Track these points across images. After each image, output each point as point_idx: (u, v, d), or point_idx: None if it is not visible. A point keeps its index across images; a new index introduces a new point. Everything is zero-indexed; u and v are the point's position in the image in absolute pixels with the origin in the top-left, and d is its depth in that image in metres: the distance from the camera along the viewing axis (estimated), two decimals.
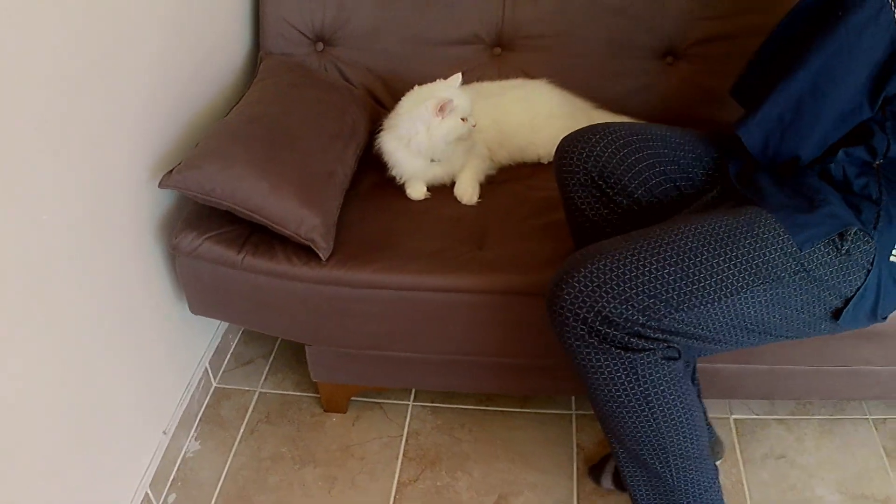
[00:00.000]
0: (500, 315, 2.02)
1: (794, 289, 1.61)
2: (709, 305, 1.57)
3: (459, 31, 2.54)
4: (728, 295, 1.58)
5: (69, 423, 1.78)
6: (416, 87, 2.24)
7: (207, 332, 2.52)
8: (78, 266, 1.76)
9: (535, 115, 2.37)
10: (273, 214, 1.95)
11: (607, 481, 2.13)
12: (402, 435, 2.36)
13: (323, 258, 1.98)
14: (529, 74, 2.52)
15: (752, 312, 1.61)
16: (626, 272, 1.56)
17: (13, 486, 1.59)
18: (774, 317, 1.63)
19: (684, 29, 2.48)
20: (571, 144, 1.87)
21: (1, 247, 1.49)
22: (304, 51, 2.55)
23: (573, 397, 2.46)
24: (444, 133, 2.14)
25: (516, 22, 2.52)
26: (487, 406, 2.44)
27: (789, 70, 1.65)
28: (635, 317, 1.55)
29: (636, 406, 1.63)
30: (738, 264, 1.58)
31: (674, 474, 1.71)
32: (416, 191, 2.27)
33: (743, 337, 1.67)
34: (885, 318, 1.75)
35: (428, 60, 2.54)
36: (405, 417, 2.41)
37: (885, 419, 2.40)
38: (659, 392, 1.61)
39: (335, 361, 2.26)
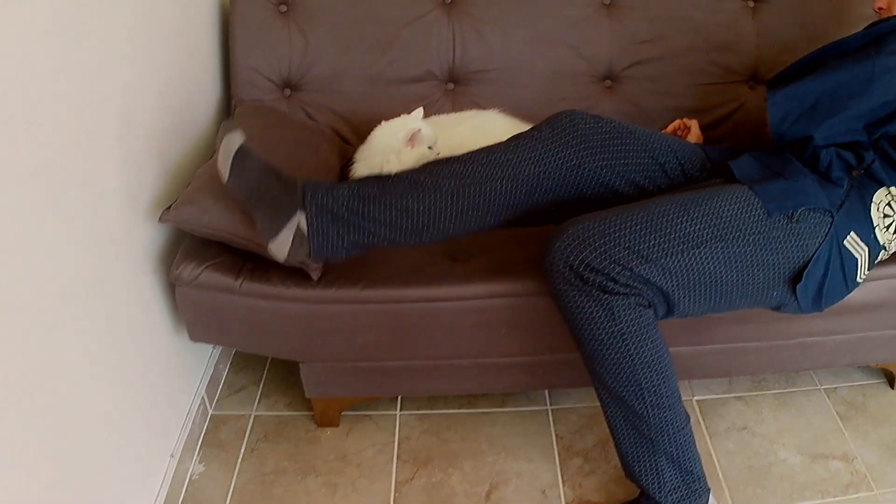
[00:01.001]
0: (479, 319, 2.21)
1: (751, 248, 1.90)
2: (673, 257, 1.86)
3: (415, 70, 2.76)
4: (690, 248, 1.87)
5: (85, 447, 1.88)
6: (384, 122, 2.42)
7: (200, 363, 2.65)
8: (84, 302, 1.87)
9: (489, 141, 2.55)
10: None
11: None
12: (393, 441, 2.53)
13: (314, 278, 2.14)
14: (481, 105, 2.73)
15: (712, 268, 1.89)
16: (606, 229, 1.86)
17: None
18: (733, 275, 1.91)
19: (619, 54, 2.75)
20: (561, 118, 2.13)
21: (17, 279, 1.59)
22: (272, 97, 2.75)
23: (547, 394, 2.66)
24: (414, 160, 2.31)
25: (466, 59, 2.76)
26: (469, 409, 2.63)
27: (819, 72, 2.05)
28: (612, 265, 1.84)
29: (613, 343, 1.90)
30: (701, 222, 1.88)
31: (649, 411, 1.95)
32: None
33: (703, 296, 1.94)
34: (823, 310, 2.06)
35: (387, 99, 2.74)
36: (394, 425, 2.58)
37: (835, 387, 2.66)
38: (632, 332, 1.89)
39: (327, 377, 2.41)
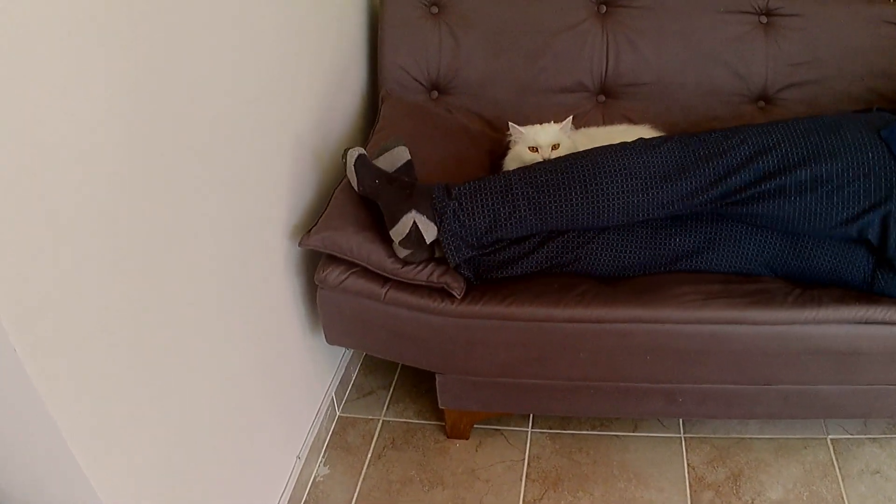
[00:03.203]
0: (623, 343, 2.16)
1: (833, 116, 2.15)
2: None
3: (566, 79, 2.72)
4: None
5: (219, 444, 1.91)
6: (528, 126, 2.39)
7: (332, 364, 2.65)
8: (229, 300, 1.91)
9: None
10: (406, 274, 2.11)
11: None
12: (523, 459, 2.49)
13: (457, 297, 2.11)
14: (631, 119, 2.68)
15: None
16: None
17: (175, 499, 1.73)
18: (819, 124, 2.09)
19: (773, 75, 2.68)
20: None
21: (181, 285, 1.66)
22: (419, 98, 2.73)
23: (681, 421, 2.60)
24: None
25: (619, 71, 2.71)
26: (602, 431, 2.58)
27: None
28: None
29: None
30: None
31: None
32: None
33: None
34: None
35: (536, 107, 2.70)
36: (525, 443, 2.54)
37: None
38: None
39: (463, 389, 2.38)
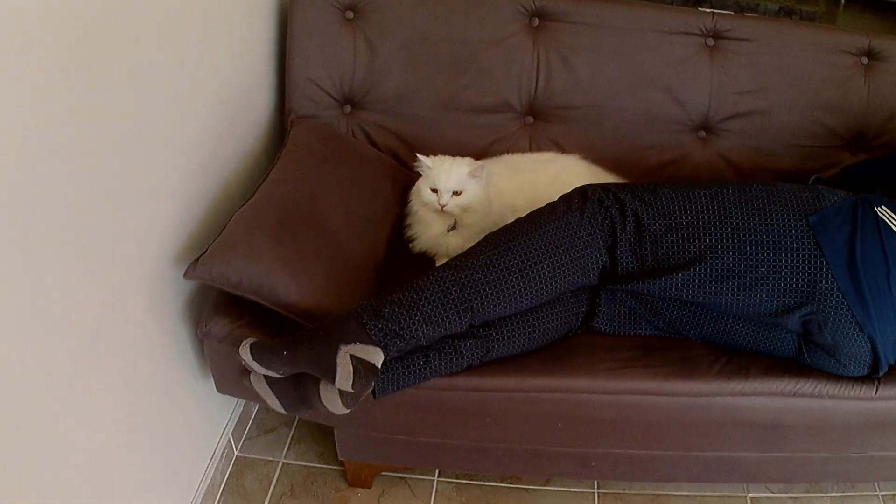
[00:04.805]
0: (533, 411, 2.03)
1: (760, 188, 1.99)
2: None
3: (491, 98, 2.52)
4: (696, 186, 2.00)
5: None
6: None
7: (230, 401, 2.48)
8: (102, 342, 1.74)
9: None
10: (302, 312, 1.92)
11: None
12: None
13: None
14: (561, 145, 2.52)
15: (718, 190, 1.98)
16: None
17: None
18: (739, 207, 1.93)
19: (717, 103, 2.52)
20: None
21: (32, 329, 1.50)
22: (331, 113, 2.51)
23: None
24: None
25: (549, 91, 2.51)
26: (511, 483, 2.44)
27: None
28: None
29: None
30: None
31: None
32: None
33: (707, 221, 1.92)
34: (870, 309, 1.86)
35: (457, 127, 2.52)
36: (430, 494, 2.41)
37: (895, 494, 2.46)
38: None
39: (363, 443, 2.25)
